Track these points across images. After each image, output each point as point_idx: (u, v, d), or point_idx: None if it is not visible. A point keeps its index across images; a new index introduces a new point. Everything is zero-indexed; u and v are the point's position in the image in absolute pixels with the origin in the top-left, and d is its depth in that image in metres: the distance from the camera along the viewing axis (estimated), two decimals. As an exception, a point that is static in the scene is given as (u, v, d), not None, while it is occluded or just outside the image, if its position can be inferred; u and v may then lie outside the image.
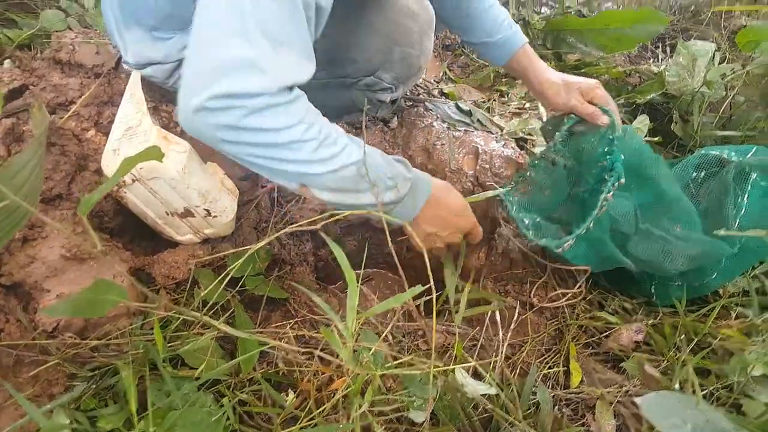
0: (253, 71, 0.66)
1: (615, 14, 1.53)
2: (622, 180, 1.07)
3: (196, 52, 0.68)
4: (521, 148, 1.38)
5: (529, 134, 1.45)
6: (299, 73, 0.73)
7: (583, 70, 1.62)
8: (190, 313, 0.77)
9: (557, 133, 1.15)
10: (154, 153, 0.64)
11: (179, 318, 0.85)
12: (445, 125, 1.32)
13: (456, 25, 1.20)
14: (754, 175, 1.20)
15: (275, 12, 0.67)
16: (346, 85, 1.11)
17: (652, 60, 1.73)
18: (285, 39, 0.69)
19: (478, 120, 1.36)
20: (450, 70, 1.75)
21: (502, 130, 1.38)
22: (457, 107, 1.36)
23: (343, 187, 0.79)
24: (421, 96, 1.51)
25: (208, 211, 0.93)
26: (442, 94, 1.59)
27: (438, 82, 1.69)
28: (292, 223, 1.15)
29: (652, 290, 1.20)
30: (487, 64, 1.71)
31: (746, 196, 1.20)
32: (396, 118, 1.34)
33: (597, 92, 1.12)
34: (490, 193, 1.12)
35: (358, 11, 1.03)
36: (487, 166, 1.26)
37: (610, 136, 1.08)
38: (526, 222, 1.09)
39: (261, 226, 1.11)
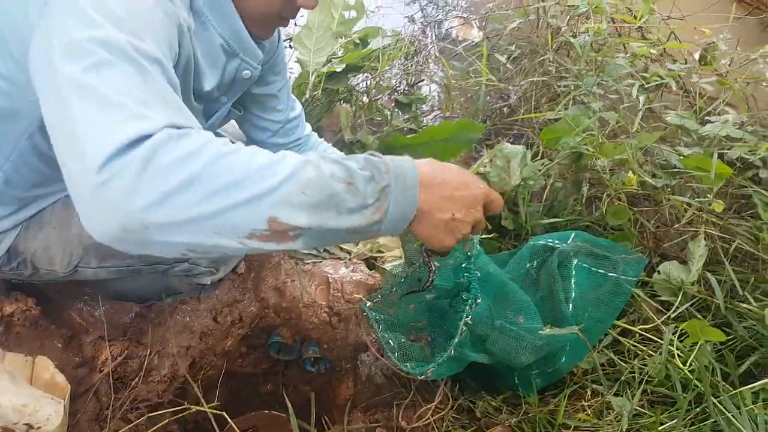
0: (136, 119, 0.57)
1: (436, 128, 1.69)
2: (479, 300, 1.12)
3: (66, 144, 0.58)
4: (371, 267, 1.43)
5: (379, 251, 1.51)
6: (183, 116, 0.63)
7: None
8: None
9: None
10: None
11: None
12: (293, 261, 1.35)
13: None
14: (575, 261, 1.32)
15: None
16: (159, 271, 1.08)
17: (478, 163, 1.90)
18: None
19: (325, 249, 1.39)
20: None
21: (350, 254, 1.42)
22: (302, 240, 1.40)
23: (317, 199, 0.62)
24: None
25: (29, 425, 0.86)
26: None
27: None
28: (139, 402, 1.09)
29: (516, 381, 1.25)
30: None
31: (573, 280, 1.31)
32: (243, 262, 1.34)
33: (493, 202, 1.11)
34: None
35: None
36: (339, 293, 1.29)
37: (468, 253, 1.08)
38: (392, 344, 1.10)
39: (103, 414, 1.03)
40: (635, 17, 2.03)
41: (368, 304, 1.13)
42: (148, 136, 0.56)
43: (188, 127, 0.60)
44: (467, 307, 1.09)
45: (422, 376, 1.05)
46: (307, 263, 1.35)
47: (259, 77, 1.12)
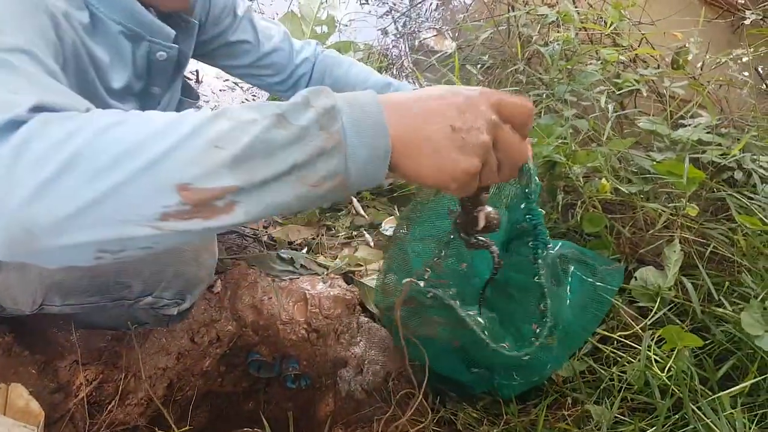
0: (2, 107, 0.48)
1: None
2: (550, 246, 0.97)
3: None
4: (349, 282, 1.42)
5: (358, 264, 1.50)
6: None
7: (396, 194, 1.74)
8: None
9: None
10: None
11: None
12: (270, 278, 1.33)
13: None
14: (572, 267, 1.32)
15: None
16: (125, 306, 1.05)
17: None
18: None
19: (302, 265, 1.38)
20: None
21: (327, 269, 1.41)
22: (279, 257, 1.38)
23: (237, 149, 0.48)
24: (245, 249, 1.52)
25: (-4, 455, 0.83)
26: (271, 239, 1.62)
27: (266, 227, 1.72)
28: (116, 426, 1.07)
29: (495, 386, 1.24)
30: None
31: (568, 287, 1.31)
32: (219, 281, 1.32)
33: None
34: None
35: None
36: (317, 309, 1.27)
37: (526, 189, 0.91)
38: (481, 321, 0.96)
39: (75, 442, 1.01)
40: (606, 24, 2.05)
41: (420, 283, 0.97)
42: (19, 123, 0.47)
43: (70, 110, 0.51)
44: (539, 259, 0.93)
45: (527, 357, 0.92)
46: (284, 280, 1.33)
47: (209, 36, 1.08)
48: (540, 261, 0.93)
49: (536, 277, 0.94)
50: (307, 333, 1.26)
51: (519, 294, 1.10)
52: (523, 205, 0.93)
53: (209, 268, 1.08)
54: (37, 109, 0.49)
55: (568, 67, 1.58)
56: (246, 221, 0.51)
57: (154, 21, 0.84)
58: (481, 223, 0.71)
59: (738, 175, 1.57)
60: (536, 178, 0.91)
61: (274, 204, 0.50)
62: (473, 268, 1.13)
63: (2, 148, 0.46)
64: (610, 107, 1.47)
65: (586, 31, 2.21)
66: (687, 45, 2.32)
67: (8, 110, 0.47)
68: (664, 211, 1.35)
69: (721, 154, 1.46)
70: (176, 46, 0.90)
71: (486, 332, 0.92)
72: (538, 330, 0.95)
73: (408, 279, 0.95)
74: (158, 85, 0.94)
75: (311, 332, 1.26)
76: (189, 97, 1.06)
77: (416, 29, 2.50)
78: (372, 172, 0.53)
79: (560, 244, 1.36)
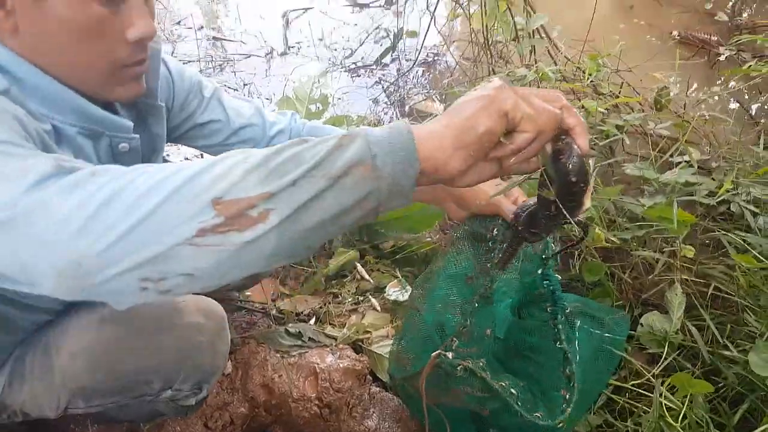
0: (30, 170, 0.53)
1: (409, 204, 1.72)
2: (568, 311, 0.95)
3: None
4: (358, 350, 1.43)
5: (366, 331, 1.51)
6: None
7: (398, 256, 1.77)
8: None
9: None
10: None
11: None
12: (279, 355, 1.34)
13: None
14: (578, 322, 1.33)
15: None
16: (146, 401, 1.06)
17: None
18: None
19: (310, 338, 1.40)
20: (284, 285, 1.83)
21: (336, 340, 1.43)
22: (287, 332, 1.40)
23: (268, 166, 0.52)
24: (255, 324, 1.54)
25: None
26: (279, 311, 1.64)
27: (274, 300, 1.74)
28: None
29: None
30: (316, 270, 1.81)
31: (576, 342, 1.31)
32: (230, 362, 1.34)
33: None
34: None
35: (146, 334, 0.99)
36: (327, 383, 1.28)
37: (543, 255, 0.93)
38: (514, 392, 0.93)
39: None
40: (585, 73, 2.13)
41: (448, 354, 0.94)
42: (52, 176, 0.52)
43: (82, 167, 0.55)
44: (558, 324, 0.93)
45: (561, 425, 0.88)
46: (294, 355, 1.35)
47: (179, 120, 1.07)
48: (560, 326, 0.93)
49: (558, 343, 0.93)
50: (319, 409, 1.26)
51: (537, 357, 1.09)
52: (540, 271, 0.95)
53: (224, 355, 1.10)
54: (58, 168, 0.53)
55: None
56: (283, 232, 0.52)
57: (106, 116, 0.83)
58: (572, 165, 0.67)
59: (734, 207, 1.59)
60: (552, 245, 0.93)
61: (306, 204, 0.52)
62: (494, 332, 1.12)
63: (47, 190, 0.51)
64: (592, 161, 1.51)
65: (567, 82, 2.30)
66: (667, 86, 2.40)
67: (39, 167, 0.53)
68: (660, 256, 1.37)
69: (708, 194, 1.49)
70: (136, 136, 0.90)
71: (519, 403, 0.91)
72: (567, 395, 0.93)
73: (437, 351, 0.94)
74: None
75: (323, 408, 1.26)
76: None
77: (405, 95, 2.60)
78: (400, 156, 0.55)
79: (564, 297, 1.37)
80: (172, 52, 2.86)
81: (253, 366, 1.31)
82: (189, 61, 2.77)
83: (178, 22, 3.24)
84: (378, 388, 1.36)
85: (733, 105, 2.69)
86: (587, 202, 0.71)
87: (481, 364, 0.89)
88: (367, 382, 1.35)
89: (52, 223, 0.50)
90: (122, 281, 0.51)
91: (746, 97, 2.79)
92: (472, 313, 1.01)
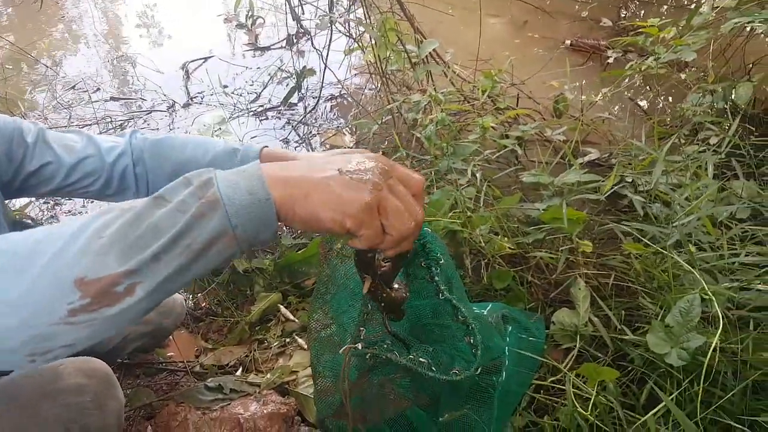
0: None
1: (324, 239, 1.74)
2: (442, 262, 0.90)
3: None
4: (285, 393, 1.41)
5: (293, 371, 1.50)
6: None
7: (319, 292, 1.77)
8: None
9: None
10: None
11: None
12: (200, 412, 1.31)
13: None
14: (509, 328, 1.36)
15: None
16: None
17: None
18: None
19: (231, 389, 1.37)
20: (206, 340, 1.79)
21: (259, 386, 1.41)
22: (206, 387, 1.37)
23: (119, 234, 0.52)
24: (177, 385, 1.50)
25: None
26: (203, 368, 1.60)
27: (198, 356, 1.70)
28: None
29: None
30: (239, 319, 1.78)
31: (506, 348, 1.34)
32: (149, 427, 1.29)
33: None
34: None
35: (28, 406, 0.94)
36: (253, 432, 1.26)
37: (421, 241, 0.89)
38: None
39: None
40: (480, 91, 2.23)
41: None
42: None
43: None
44: (435, 276, 0.88)
45: (479, 371, 0.85)
46: (215, 410, 1.32)
47: (10, 176, 1.01)
48: (437, 278, 0.89)
49: (440, 295, 0.89)
50: (247, 460, 1.24)
51: (434, 319, 1.07)
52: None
53: (116, 413, 1.05)
54: None
55: (443, 144, 1.70)
56: (151, 300, 0.53)
57: None
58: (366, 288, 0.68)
59: (634, 200, 1.69)
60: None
61: (172, 277, 0.53)
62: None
63: None
64: (478, 175, 1.58)
65: (468, 102, 2.40)
66: (563, 92, 2.54)
67: None
68: (561, 254, 1.44)
69: (596, 191, 1.57)
70: None
71: (434, 369, 0.87)
72: (471, 340, 0.89)
73: (346, 346, 0.91)
74: None
75: (252, 458, 1.24)
76: None
77: (315, 132, 2.63)
78: (259, 221, 0.55)
79: (489, 306, 1.40)
80: (69, 118, 2.80)
81: (174, 427, 1.27)
82: (87, 125, 2.71)
83: (73, 87, 3.19)
84: (307, 428, 1.34)
85: (623, 104, 2.87)
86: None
87: (385, 346, 0.88)
88: (295, 424, 1.34)
89: None
90: (11, 360, 0.53)
91: (642, 95, 2.98)
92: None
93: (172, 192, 0.55)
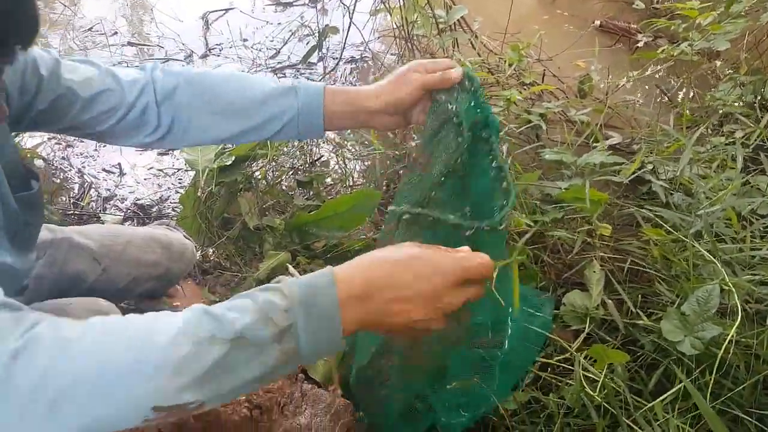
0: None
1: (337, 202, 1.73)
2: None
3: None
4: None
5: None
6: None
7: (330, 255, 1.77)
8: None
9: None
10: None
11: None
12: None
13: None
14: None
15: None
16: None
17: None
18: None
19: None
20: (213, 293, 1.79)
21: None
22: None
23: (198, 374, 0.56)
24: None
25: None
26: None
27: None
28: None
29: (441, 427, 1.23)
30: (247, 275, 1.78)
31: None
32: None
33: (424, 62, 0.92)
34: None
35: None
36: (257, 386, 1.26)
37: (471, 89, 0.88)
38: None
39: None
40: (506, 63, 2.18)
41: None
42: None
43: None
44: (493, 144, 0.85)
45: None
46: (221, 361, 1.32)
47: (21, 105, 0.94)
48: (494, 145, 0.86)
49: (494, 162, 0.86)
50: (249, 411, 1.24)
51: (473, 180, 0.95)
52: (472, 103, 0.88)
53: None
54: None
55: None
56: (215, 404, 0.60)
57: None
58: None
59: (655, 187, 1.66)
60: (476, 78, 0.90)
61: (236, 394, 0.60)
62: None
63: None
64: (504, 148, 1.55)
65: (492, 74, 2.35)
66: (589, 73, 2.49)
67: None
68: (579, 235, 1.42)
69: (622, 174, 1.54)
70: None
71: (463, 222, 0.84)
72: (505, 202, 0.84)
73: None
74: None
75: (254, 410, 1.24)
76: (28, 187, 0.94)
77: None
78: (325, 355, 0.68)
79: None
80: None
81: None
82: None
83: (90, 29, 3.13)
84: (310, 385, 1.34)
85: (650, 90, 2.81)
86: None
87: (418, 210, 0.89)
88: (298, 380, 1.34)
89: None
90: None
91: (671, 82, 2.92)
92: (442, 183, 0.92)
93: (254, 330, 0.58)
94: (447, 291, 0.65)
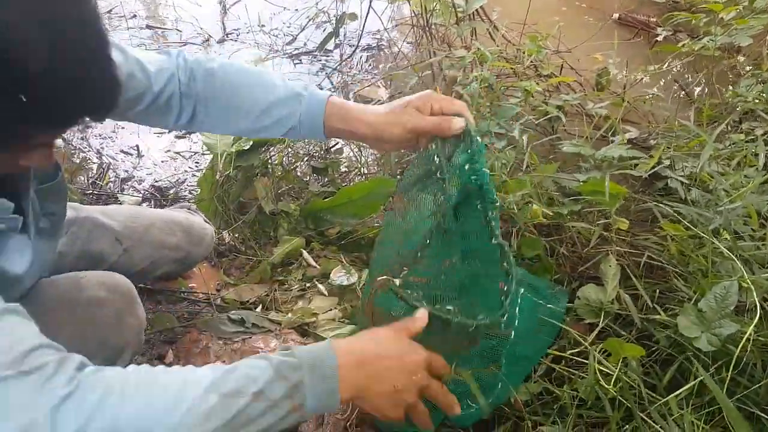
0: None
1: (352, 189, 1.74)
2: (498, 204, 0.88)
3: None
4: (304, 334, 1.42)
5: (313, 314, 1.51)
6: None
7: (344, 241, 1.77)
8: None
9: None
10: None
11: None
12: (222, 342, 1.33)
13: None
14: (522, 290, 1.35)
15: None
16: None
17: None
18: None
19: (253, 324, 1.38)
20: (228, 275, 1.80)
21: (280, 324, 1.42)
22: (229, 319, 1.38)
23: (223, 422, 0.68)
24: (197, 315, 1.52)
25: None
26: (224, 301, 1.62)
27: (219, 290, 1.71)
28: None
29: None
30: (262, 259, 1.79)
31: (516, 308, 1.33)
32: (170, 351, 1.31)
33: (435, 98, 0.94)
34: None
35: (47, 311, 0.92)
36: (272, 369, 1.27)
37: (469, 150, 0.87)
38: None
39: None
40: (525, 54, 2.16)
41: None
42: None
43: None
44: (491, 221, 0.85)
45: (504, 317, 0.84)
46: (237, 341, 1.33)
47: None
48: (493, 222, 0.88)
49: (493, 239, 0.87)
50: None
51: (475, 262, 0.99)
52: (467, 167, 0.88)
53: (135, 330, 1.06)
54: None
55: (487, 104, 1.66)
56: None
57: None
58: None
59: (672, 183, 1.65)
60: (478, 138, 0.89)
61: None
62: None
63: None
64: (525, 138, 1.54)
65: (510, 65, 2.33)
66: (606, 67, 2.46)
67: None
68: (596, 228, 1.41)
69: (643, 169, 1.53)
70: (16, 216, 0.83)
71: (458, 317, 0.85)
72: (505, 288, 0.87)
73: (382, 277, 0.90)
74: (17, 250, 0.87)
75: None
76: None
77: (350, 81, 2.58)
78: (327, 410, 0.86)
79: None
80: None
81: (195, 354, 1.29)
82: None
83: (110, 11, 3.13)
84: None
85: (669, 84, 2.78)
86: None
87: (415, 295, 0.88)
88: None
89: None
90: None
91: (689, 78, 2.88)
92: (428, 245, 0.97)
93: (271, 387, 0.70)
94: (418, 369, 0.80)
